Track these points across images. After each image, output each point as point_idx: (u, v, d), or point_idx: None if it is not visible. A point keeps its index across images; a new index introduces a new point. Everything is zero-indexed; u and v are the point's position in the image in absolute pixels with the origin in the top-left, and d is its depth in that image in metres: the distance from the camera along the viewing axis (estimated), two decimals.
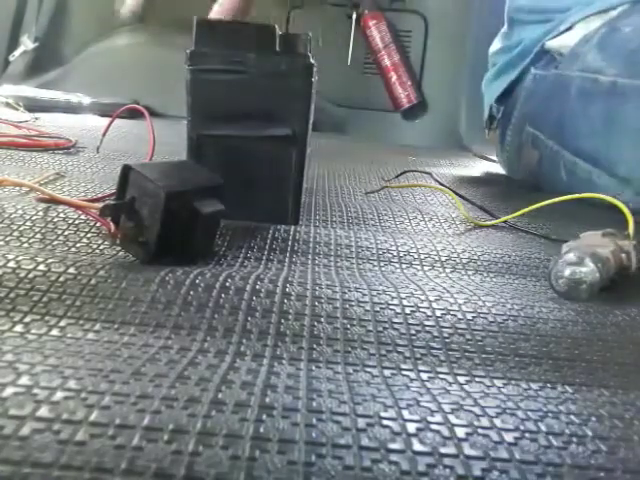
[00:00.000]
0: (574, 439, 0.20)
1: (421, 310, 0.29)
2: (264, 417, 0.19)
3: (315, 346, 0.25)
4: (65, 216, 0.38)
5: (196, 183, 0.34)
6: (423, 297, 0.30)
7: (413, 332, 0.27)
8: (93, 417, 0.18)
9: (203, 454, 0.17)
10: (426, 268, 0.37)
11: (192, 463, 0.17)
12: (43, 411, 0.18)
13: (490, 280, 0.36)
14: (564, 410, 0.22)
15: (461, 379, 0.24)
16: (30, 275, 0.28)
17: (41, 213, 0.38)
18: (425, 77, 1.23)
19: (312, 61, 0.40)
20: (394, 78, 1.21)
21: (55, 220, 0.37)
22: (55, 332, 0.24)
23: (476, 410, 0.21)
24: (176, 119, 1.17)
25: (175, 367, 0.22)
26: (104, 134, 0.64)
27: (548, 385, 0.24)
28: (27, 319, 0.25)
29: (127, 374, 0.21)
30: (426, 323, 0.28)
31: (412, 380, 0.24)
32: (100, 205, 0.32)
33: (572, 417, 0.21)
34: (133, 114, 1.07)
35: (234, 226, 0.40)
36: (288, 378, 0.22)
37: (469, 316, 0.28)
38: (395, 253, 0.39)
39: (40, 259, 0.29)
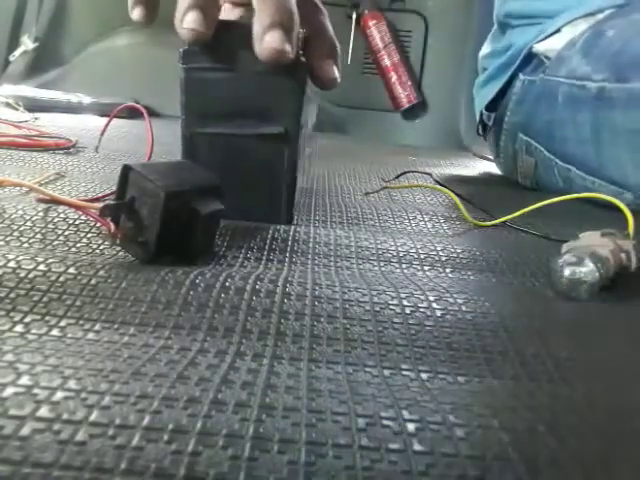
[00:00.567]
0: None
1: (421, 310, 0.29)
2: (264, 417, 0.19)
3: (315, 346, 0.25)
4: (65, 216, 0.38)
5: (196, 183, 0.34)
6: (423, 297, 0.30)
7: (413, 332, 0.27)
8: (93, 417, 0.18)
9: (203, 454, 0.17)
10: (426, 268, 0.37)
11: (192, 463, 0.17)
12: (43, 411, 0.18)
13: (490, 280, 0.36)
14: (563, 410, 0.22)
15: (461, 379, 0.24)
16: (30, 275, 0.28)
17: (41, 213, 0.38)
18: (425, 77, 1.23)
19: (303, 59, 0.39)
20: (394, 78, 1.21)
21: (55, 220, 0.37)
22: (55, 332, 0.24)
23: (476, 410, 0.21)
24: (176, 119, 1.17)
25: (175, 367, 0.22)
26: (102, 133, 0.64)
27: (549, 383, 0.24)
28: (27, 319, 0.25)
29: (127, 374, 0.21)
30: (426, 323, 0.28)
31: (412, 380, 0.24)
32: (99, 205, 0.32)
33: (572, 416, 0.21)
34: (133, 114, 1.07)
35: (234, 226, 0.40)
36: (288, 378, 0.22)
37: (469, 316, 0.28)
38: (395, 253, 0.39)
39: (40, 259, 0.29)
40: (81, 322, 0.25)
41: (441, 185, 0.59)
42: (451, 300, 0.30)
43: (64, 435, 0.17)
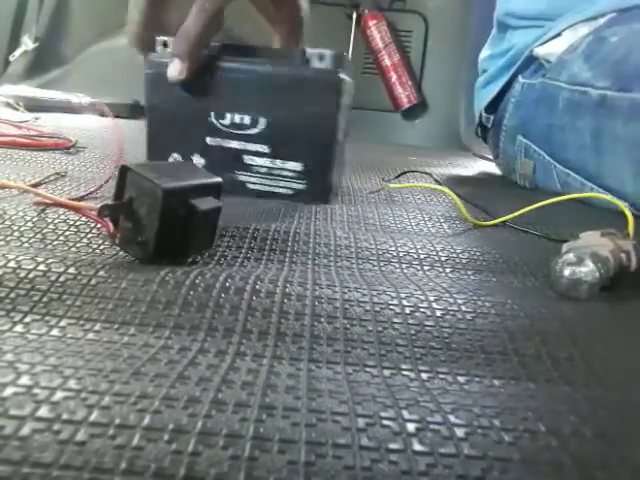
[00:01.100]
0: (574, 437, 0.20)
1: (421, 310, 0.29)
2: (264, 417, 0.19)
3: (315, 346, 0.25)
4: (65, 217, 0.38)
5: (194, 182, 0.34)
6: (423, 297, 0.30)
7: (413, 332, 0.27)
8: (93, 417, 0.18)
9: (203, 454, 0.17)
10: (426, 268, 0.37)
11: (192, 463, 0.17)
12: (43, 411, 0.18)
13: (490, 280, 0.36)
14: (564, 410, 0.22)
15: (461, 379, 0.24)
16: (30, 275, 0.28)
17: (42, 214, 0.38)
18: (425, 77, 1.23)
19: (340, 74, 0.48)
20: (394, 78, 1.21)
21: (55, 221, 0.37)
22: (55, 332, 0.24)
23: (476, 410, 0.21)
24: None
25: (175, 367, 0.22)
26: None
27: (549, 383, 0.24)
28: (27, 319, 0.25)
29: (127, 374, 0.21)
30: (426, 323, 0.28)
31: (412, 380, 0.24)
32: (93, 205, 0.32)
33: (572, 416, 0.21)
34: (133, 114, 1.07)
35: (234, 226, 0.40)
36: (288, 378, 0.22)
37: (469, 316, 0.28)
38: (395, 253, 0.39)
39: (40, 259, 0.29)
40: (81, 322, 0.25)
41: (441, 185, 0.59)
42: (451, 300, 0.30)
43: (64, 435, 0.17)
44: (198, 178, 0.34)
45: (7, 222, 0.36)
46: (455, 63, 1.20)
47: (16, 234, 0.35)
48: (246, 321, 0.26)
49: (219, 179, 0.35)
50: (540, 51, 0.71)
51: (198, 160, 0.49)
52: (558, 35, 0.70)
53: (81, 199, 0.42)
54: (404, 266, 0.37)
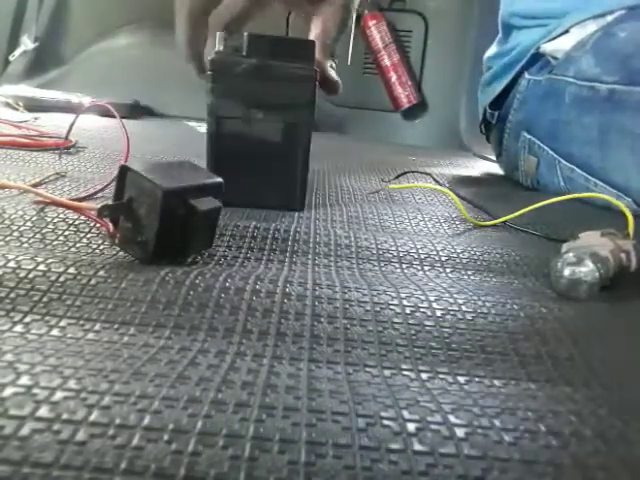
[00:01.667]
0: (574, 438, 0.20)
1: (421, 310, 0.29)
2: (264, 417, 0.19)
3: (315, 346, 0.25)
4: (65, 217, 0.38)
5: (193, 181, 0.34)
6: (423, 297, 0.30)
7: (413, 332, 0.27)
8: (93, 417, 0.18)
9: (203, 454, 0.17)
10: (426, 268, 0.37)
11: (192, 463, 0.17)
12: (43, 411, 0.18)
13: (490, 280, 0.36)
14: (564, 410, 0.22)
15: (461, 379, 0.24)
16: (30, 275, 0.28)
17: (41, 214, 0.38)
18: (425, 77, 1.23)
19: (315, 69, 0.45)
20: (394, 78, 1.21)
21: (55, 220, 0.37)
22: (55, 332, 0.24)
23: (476, 410, 0.21)
24: (176, 119, 1.17)
25: (175, 367, 0.22)
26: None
27: (549, 383, 0.24)
28: (27, 319, 0.25)
29: (127, 374, 0.21)
30: (426, 323, 0.28)
31: (412, 380, 0.24)
32: (94, 205, 0.32)
33: (572, 417, 0.21)
34: (133, 114, 1.07)
35: (234, 226, 0.40)
36: (288, 378, 0.22)
37: (469, 316, 0.28)
38: (395, 253, 0.39)
39: (40, 259, 0.29)
40: (81, 322, 0.25)
41: (441, 185, 0.59)
42: (451, 300, 0.30)
43: (64, 435, 0.17)
44: (198, 178, 0.34)
45: (7, 222, 0.36)
46: (455, 63, 1.20)
47: (16, 234, 0.35)
48: (246, 321, 0.26)
49: (219, 179, 0.35)
50: (547, 48, 0.71)
51: None
52: (566, 32, 0.70)
53: (83, 199, 0.42)
54: (404, 266, 0.37)
